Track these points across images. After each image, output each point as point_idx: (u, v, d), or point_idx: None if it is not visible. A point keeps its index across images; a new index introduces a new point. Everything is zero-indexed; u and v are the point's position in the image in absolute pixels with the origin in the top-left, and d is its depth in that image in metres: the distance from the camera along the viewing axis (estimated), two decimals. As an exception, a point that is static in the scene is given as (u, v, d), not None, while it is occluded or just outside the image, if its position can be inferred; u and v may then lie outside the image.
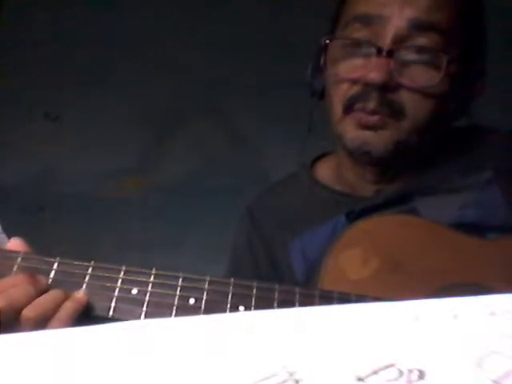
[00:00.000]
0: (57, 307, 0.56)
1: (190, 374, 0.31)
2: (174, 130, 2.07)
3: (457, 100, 0.74)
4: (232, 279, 0.60)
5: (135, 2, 1.98)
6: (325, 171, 0.85)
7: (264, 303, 0.59)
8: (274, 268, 0.80)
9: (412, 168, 0.78)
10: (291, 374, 0.30)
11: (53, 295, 0.56)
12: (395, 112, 0.70)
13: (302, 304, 0.60)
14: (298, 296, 0.60)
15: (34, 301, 0.55)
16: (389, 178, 0.78)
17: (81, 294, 0.58)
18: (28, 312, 0.54)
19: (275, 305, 0.59)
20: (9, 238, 0.64)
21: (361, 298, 0.60)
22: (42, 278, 0.57)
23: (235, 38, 1.93)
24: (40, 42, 1.97)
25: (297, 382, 0.30)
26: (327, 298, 0.60)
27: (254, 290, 0.60)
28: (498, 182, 0.74)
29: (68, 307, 0.56)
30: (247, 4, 1.91)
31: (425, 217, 0.73)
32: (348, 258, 0.68)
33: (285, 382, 0.30)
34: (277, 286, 0.60)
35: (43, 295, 0.56)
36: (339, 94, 0.73)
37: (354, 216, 0.74)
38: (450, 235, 0.70)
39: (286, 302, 0.59)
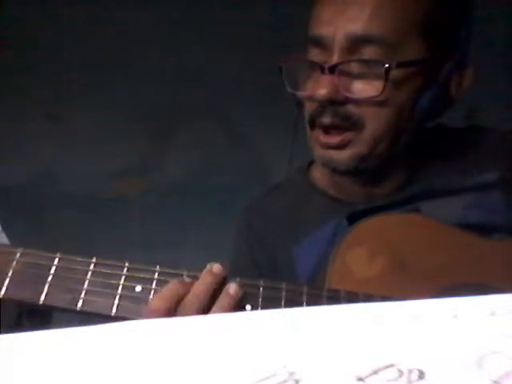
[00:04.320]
0: (213, 299, 0.56)
1: (190, 373, 0.31)
2: (173, 131, 2.07)
3: (430, 98, 0.72)
4: (238, 278, 0.59)
5: (135, 2, 1.98)
6: (320, 175, 0.85)
7: (271, 302, 0.58)
8: (276, 272, 0.80)
9: (398, 170, 0.77)
10: (291, 374, 0.30)
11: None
12: (354, 124, 0.71)
13: (310, 303, 0.59)
14: (305, 295, 0.59)
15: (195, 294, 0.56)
16: (374, 183, 0.78)
17: (234, 287, 0.57)
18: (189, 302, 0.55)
19: (282, 304, 0.58)
20: (8, 237, 0.64)
21: (368, 298, 0.60)
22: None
23: (235, 39, 1.93)
24: (40, 42, 1.97)
25: (297, 381, 0.30)
26: (335, 297, 0.59)
27: (261, 289, 0.59)
28: (501, 185, 0.74)
29: (222, 299, 0.56)
30: (247, 4, 1.91)
31: (429, 217, 0.73)
32: (354, 257, 0.68)
33: (285, 381, 0.30)
34: (284, 286, 0.59)
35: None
36: (306, 112, 0.75)
37: (354, 218, 0.74)
38: (456, 234, 0.71)
39: (294, 302, 0.58)
